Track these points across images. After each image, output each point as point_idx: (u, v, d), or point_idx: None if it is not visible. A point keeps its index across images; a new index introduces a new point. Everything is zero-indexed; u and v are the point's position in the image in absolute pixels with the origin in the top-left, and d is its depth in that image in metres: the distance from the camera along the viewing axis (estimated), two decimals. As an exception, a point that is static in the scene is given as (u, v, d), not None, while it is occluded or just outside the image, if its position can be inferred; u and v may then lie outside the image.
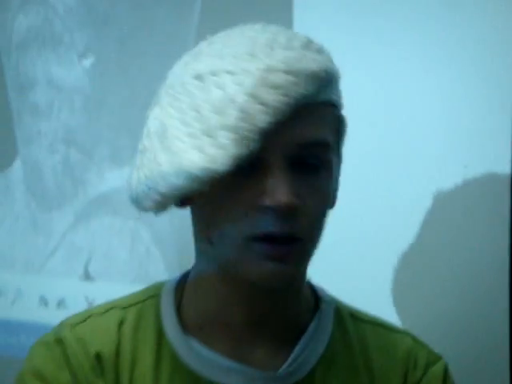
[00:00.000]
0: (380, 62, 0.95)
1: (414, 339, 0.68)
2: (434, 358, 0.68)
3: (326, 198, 0.58)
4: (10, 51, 1.12)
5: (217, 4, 1.04)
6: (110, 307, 0.63)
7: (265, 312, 0.60)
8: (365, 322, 0.67)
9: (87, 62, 1.03)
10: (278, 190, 0.52)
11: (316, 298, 0.65)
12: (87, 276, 1.06)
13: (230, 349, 0.60)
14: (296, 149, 0.54)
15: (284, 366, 0.59)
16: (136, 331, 0.62)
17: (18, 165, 1.14)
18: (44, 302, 1.09)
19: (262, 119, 0.50)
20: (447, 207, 0.91)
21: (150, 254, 1.04)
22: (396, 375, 0.65)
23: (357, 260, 0.89)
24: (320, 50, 0.58)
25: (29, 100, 1.10)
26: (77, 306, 1.00)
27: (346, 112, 0.62)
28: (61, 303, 1.04)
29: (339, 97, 0.59)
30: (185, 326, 0.61)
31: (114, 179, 0.99)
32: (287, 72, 0.53)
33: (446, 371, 0.68)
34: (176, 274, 0.66)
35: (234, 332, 0.60)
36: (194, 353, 0.60)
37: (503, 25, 0.88)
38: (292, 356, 0.60)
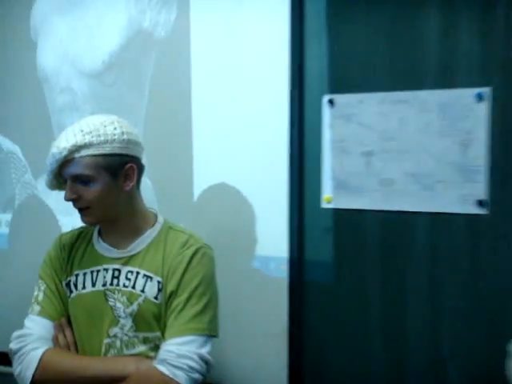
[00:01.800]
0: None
1: (192, 238, 1.43)
2: (196, 244, 1.42)
3: (97, 194, 1.34)
4: (54, 113, 2.10)
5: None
6: (80, 227, 1.51)
7: (110, 228, 1.43)
8: (174, 230, 1.46)
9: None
10: (65, 193, 1.35)
11: (155, 222, 1.45)
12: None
13: (110, 241, 1.43)
14: (73, 176, 1.32)
15: (128, 247, 1.41)
16: (84, 237, 1.49)
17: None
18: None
19: (49, 166, 1.34)
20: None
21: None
22: (171, 253, 1.40)
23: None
24: (87, 132, 1.32)
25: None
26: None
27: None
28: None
29: (107, 148, 1.33)
30: (101, 232, 1.46)
31: None
32: (55, 146, 1.32)
33: (198, 252, 1.40)
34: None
35: (110, 236, 1.44)
36: (99, 244, 1.44)
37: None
38: (131, 245, 1.41)
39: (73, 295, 1.47)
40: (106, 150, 1.35)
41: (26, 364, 1.39)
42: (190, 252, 1.42)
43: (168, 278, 1.40)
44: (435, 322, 1.65)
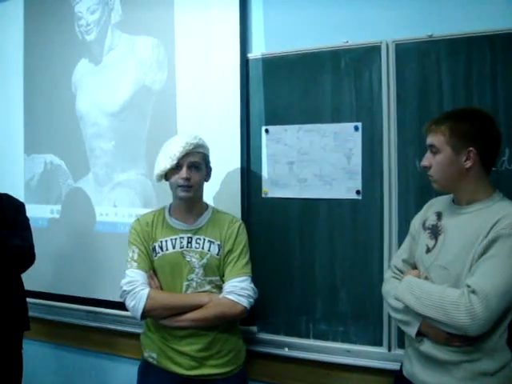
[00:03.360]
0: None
1: (235, 217, 2.01)
2: (238, 221, 2.01)
3: (202, 177, 1.91)
4: (86, 140, 2.77)
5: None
6: (153, 210, 2.07)
7: (187, 207, 1.94)
8: (220, 212, 2.03)
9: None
10: (182, 172, 1.85)
11: (207, 206, 2.00)
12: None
13: (180, 218, 1.97)
14: (190, 162, 1.85)
15: (195, 223, 1.96)
16: (157, 218, 2.01)
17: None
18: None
19: (172, 158, 1.83)
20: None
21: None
22: (225, 227, 1.95)
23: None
24: (199, 138, 1.86)
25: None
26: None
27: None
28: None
29: (207, 151, 1.92)
30: (171, 214, 1.98)
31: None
32: (179, 146, 1.84)
33: (241, 226, 1.98)
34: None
35: (181, 214, 1.97)
36: (172, 221, 1.97)
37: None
38: (197, 221, 1.97)
39: (159, 255, 1.90)
40: (206, 150, 1.91)
41: (139, 299, 1.80)
42: (236, 225, 1.98)
43: (225, 242, 1.91)
44: (332, 264, 2.27)
